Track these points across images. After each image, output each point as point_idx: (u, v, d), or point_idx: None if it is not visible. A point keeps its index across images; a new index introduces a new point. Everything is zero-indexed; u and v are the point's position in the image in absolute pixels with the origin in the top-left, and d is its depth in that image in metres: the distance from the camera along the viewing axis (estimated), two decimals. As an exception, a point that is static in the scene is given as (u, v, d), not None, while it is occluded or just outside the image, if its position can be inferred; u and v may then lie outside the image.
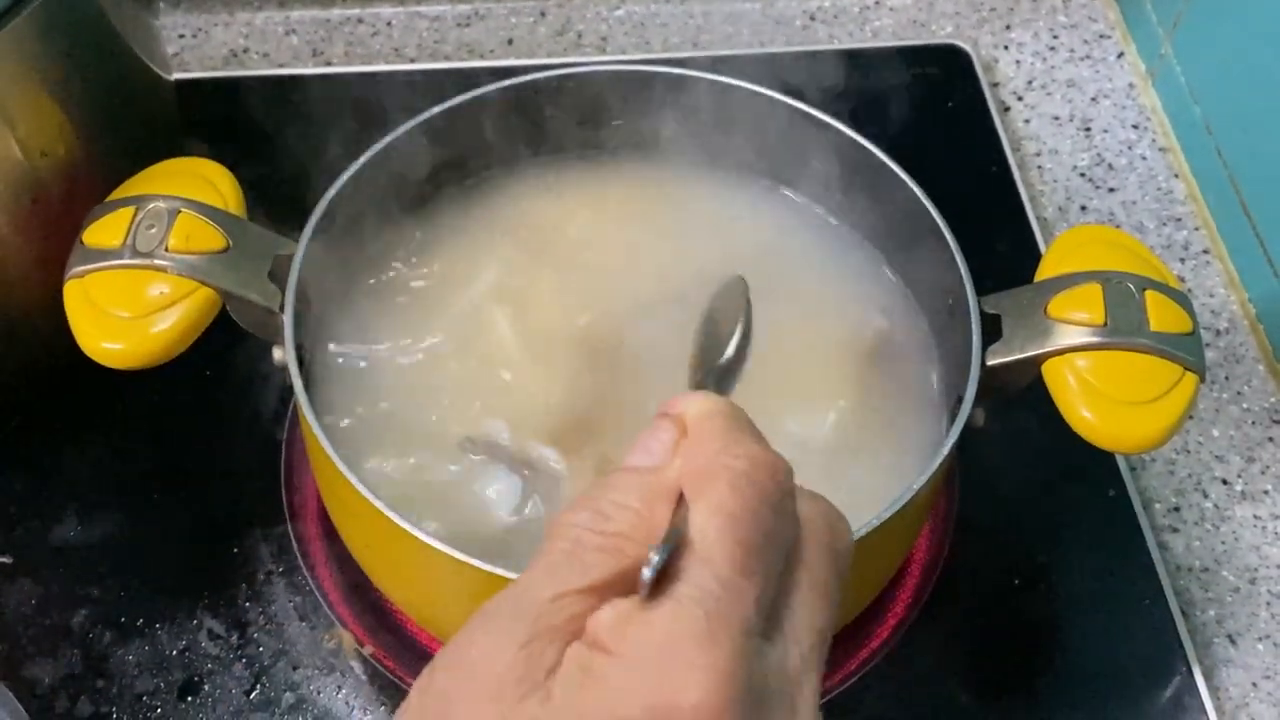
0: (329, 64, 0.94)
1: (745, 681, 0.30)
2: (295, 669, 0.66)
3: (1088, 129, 0.93)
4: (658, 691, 0.29)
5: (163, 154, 0.65)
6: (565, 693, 0.30)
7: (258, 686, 0.66)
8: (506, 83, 0.68)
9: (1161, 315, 0.59)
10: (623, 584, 0.32)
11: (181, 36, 0.95)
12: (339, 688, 0.66)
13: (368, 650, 0.67)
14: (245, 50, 0.95)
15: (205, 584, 0.69)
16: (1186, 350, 0.59)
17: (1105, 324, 0.59)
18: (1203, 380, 0.59)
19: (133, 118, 0.72)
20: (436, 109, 0.67)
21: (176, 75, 0.81)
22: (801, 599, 0.33)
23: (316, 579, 0.69)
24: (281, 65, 0.94)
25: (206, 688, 0.66)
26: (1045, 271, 0.63)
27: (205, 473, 0.73)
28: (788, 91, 0.69)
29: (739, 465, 0.33)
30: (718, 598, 0.31)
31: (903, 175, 0.66)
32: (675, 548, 0.32)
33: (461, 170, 0.70)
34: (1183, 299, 0.61)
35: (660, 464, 0.35)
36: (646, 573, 0.31)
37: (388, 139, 0.66)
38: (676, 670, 0.30)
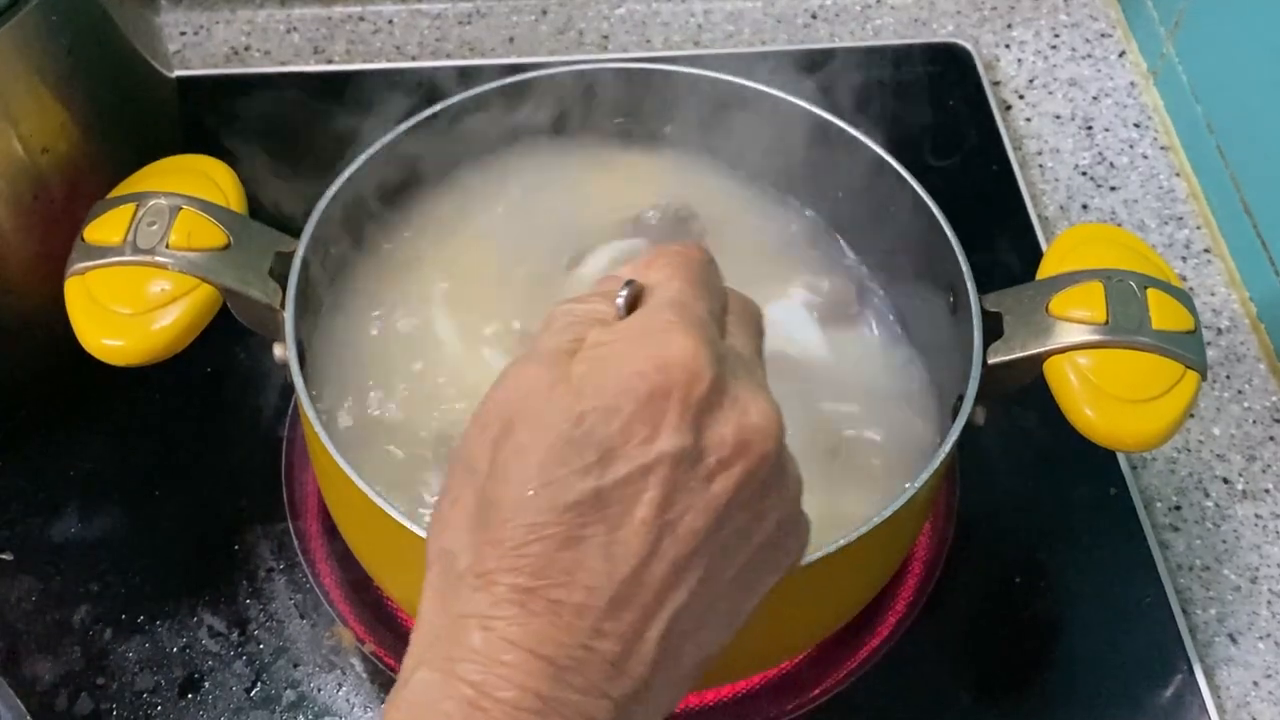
0: (330, 61, 0.94)
1: (711, 344, 0.41)
2: (296, 666, 0.66)
3: (1089, 128, 0.93)
4: (652, 349, 0.40)
5: (164, 151, 0.65)
6: (583, 371, 0.41)
7: (258, 684, 0.66)
8: (506, 80, 0.68)
9: (1163, 313, 0.59)
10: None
11: (183, 34, 0.95)
12: (339, 685, 0.66)
13: (368, 648, 0.67)
14: (247, 48, 0.95)
15: (206, 581, 0.69)
16: (1188, 349, 0.59)
17: (1107, 322, 0.58)
18: (1204, 379, 0.59)
19: (134, 115, 0.72)
20: (438, 105, 0.67)
21: (178, 72, 0.80)
22: (734, 325, 0.45)
23: (317, 576, 0.69)
24: (283, 63, 0.94)
25: (207, 685, 0.66)
26: (1046, 269, 0.62)
27: (206, 470, 0.73)
28: (788, 90, 0.69)
29: (673, 247, 0.46)
30: (679, 302, 0.42)
31: (904, 173, 0.66)
32: (637, 291, 0.43)
33: (462, 168, 0.70)
34: (1184, 297, 0.61)
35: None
36: (619, 300, 0.43)
37: (389, 136, 0.66)
38: (662, 335, 0.41)
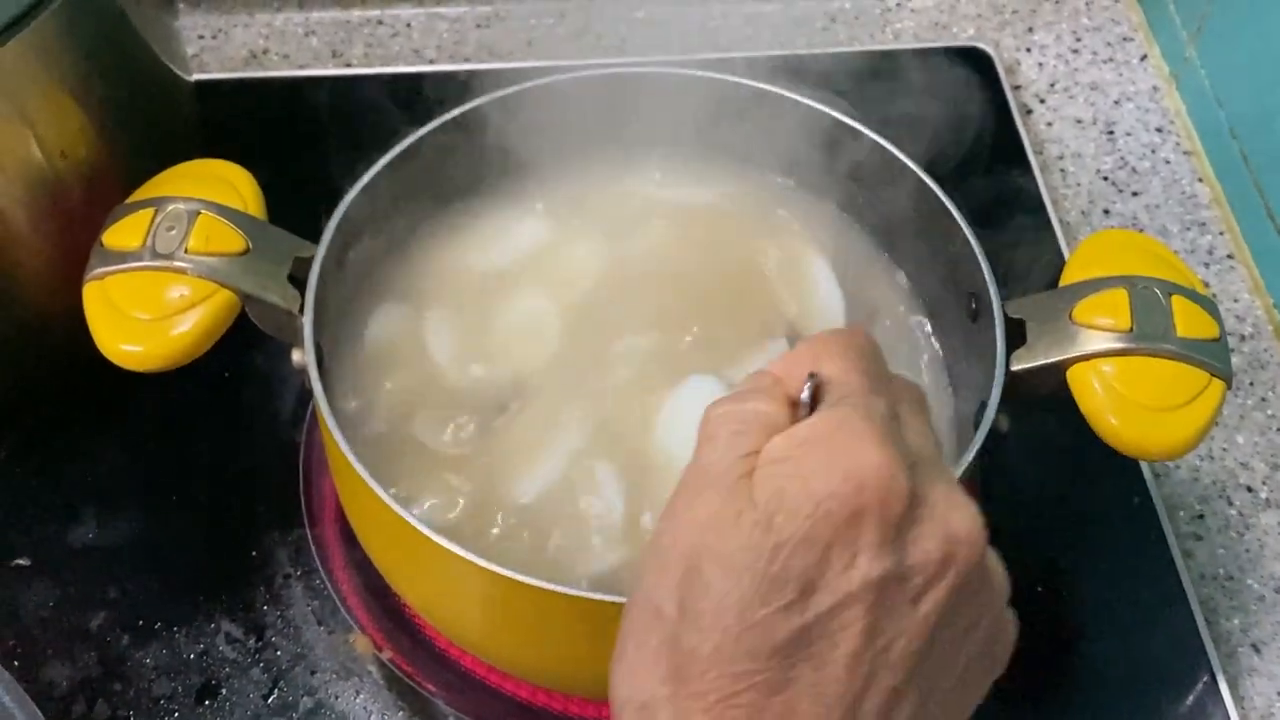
0: (349, 65, 0.94)
1: (902, 451, 0.38)
2: (313, 673, 0.66)
3: (1111, 132, 0.93)
4: (844, 464, 0.37)
5: (182, 154, 0.65)
6: (769, 495, 0.38)
7: (275, 691, 0.66)
8: (527, 84, 0.68)
9: (1188, 321, 0.59)
10: None
11: (201, 37, 0.95)
12: (357, 692, 0.66)
13: (386, 655, 0.66)
14: (265, 51, 0.95)
15: (223, 587, 0.69)
16: (1213, 356, 0.58)
17: (1131, 329, 0.58)
18: (1229, 387, 0.59)
19: (152, 118, 0.72)
20: (456, 110, 0.67)
21: (196, 76, 0.80)
22: (909, 417, 0.42)
23: (335, 582, 0.69)
24: (301, 66, 0.94)
25: (224, 692, 0.65)
26: (1070, 276, 0.62)
27: (223, 475, 0.73)
28: (806, 94, 0.68)
29: (841, 334, 0.43)
30: (861, 402, 0.39)
31: (925, 178, 0.66)
32: (816, 386, 0.40)
33: (481, 173, 0.70)
34: (1209, 305, 0.60)
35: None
36: (804, 395, 0.40)
37: (407, 141, 0.65)
38: (852, 446, 0.38)
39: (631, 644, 0.39)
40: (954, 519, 0.39)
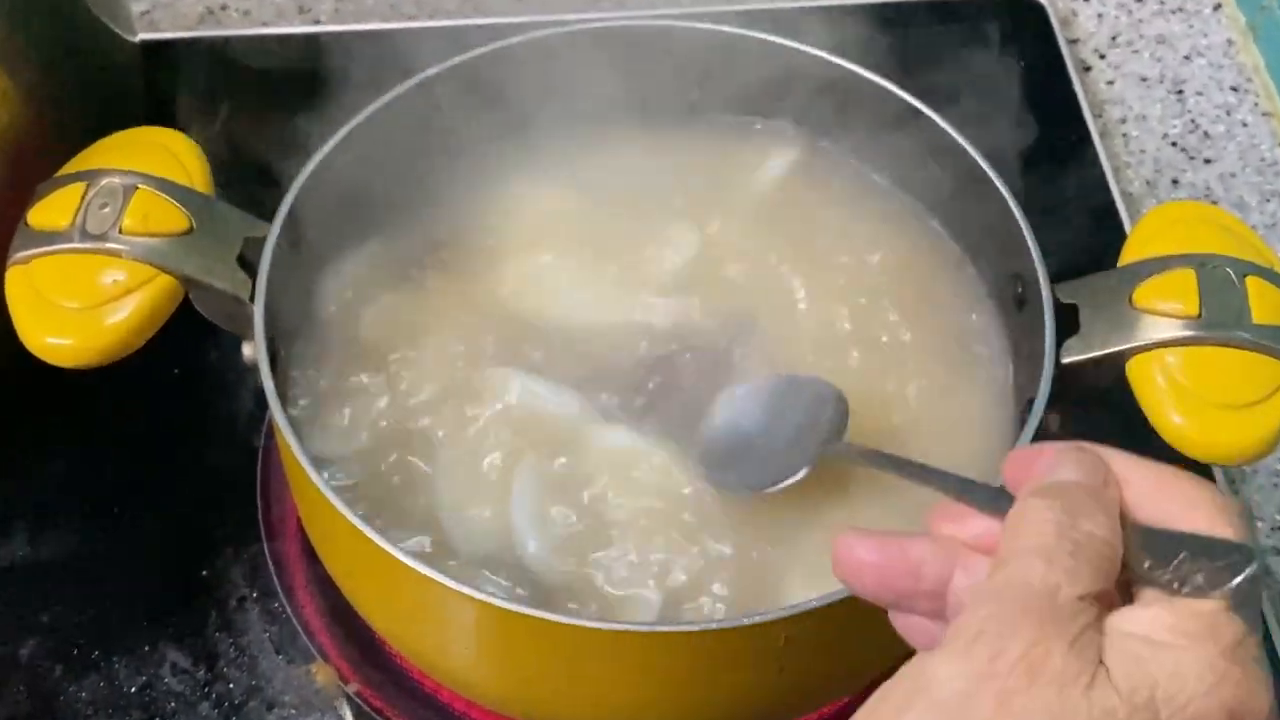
0: (317, 22, 0.94)
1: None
2: (270, 709, 0.66)
3: (1180, 91, 0.92)
4: (1232, 688, 0.35)
5: (126, 124, 0.65)
6: (1129, 678, 0.35)
7: (227, 729, 0.65)
8: (514, 39, 0.67)
9: (1265, 305, 0.58)
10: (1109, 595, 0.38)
11: (152, -8, 0.95)
12: (320, 731, 0.65)
13: (352, 688, 0.66)
14: (224, 7, 0.94)
15: (170, 611, 0.68)
16: (1293, 345, 0.57)
17: (1199, 315, 0.57)
18: (1313, 380, 0.58)
19: (88, 83, 0.72)
20: (432, 70, 0.66)
21: (144, 36, 0.80)
22: None
23: (295, 605, 0.68)
24: (264, 24, 0.94)
25: (169, 730, 0.65)
26: (1130, 255, 0.61)
27: (172, 485, 0.73)
28: (836, 50, 0.68)
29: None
30: (1247, 630, 0.37)
31: (965, 144, 0.65)
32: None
33: (458, 141, 0.69)
34: (1290, 286, 0.59)
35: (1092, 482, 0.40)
36: (1240, 580, 0.37)
37: (374, 105, 0.65)
38: (1243, 670, 0.36)
39: None
40: None
